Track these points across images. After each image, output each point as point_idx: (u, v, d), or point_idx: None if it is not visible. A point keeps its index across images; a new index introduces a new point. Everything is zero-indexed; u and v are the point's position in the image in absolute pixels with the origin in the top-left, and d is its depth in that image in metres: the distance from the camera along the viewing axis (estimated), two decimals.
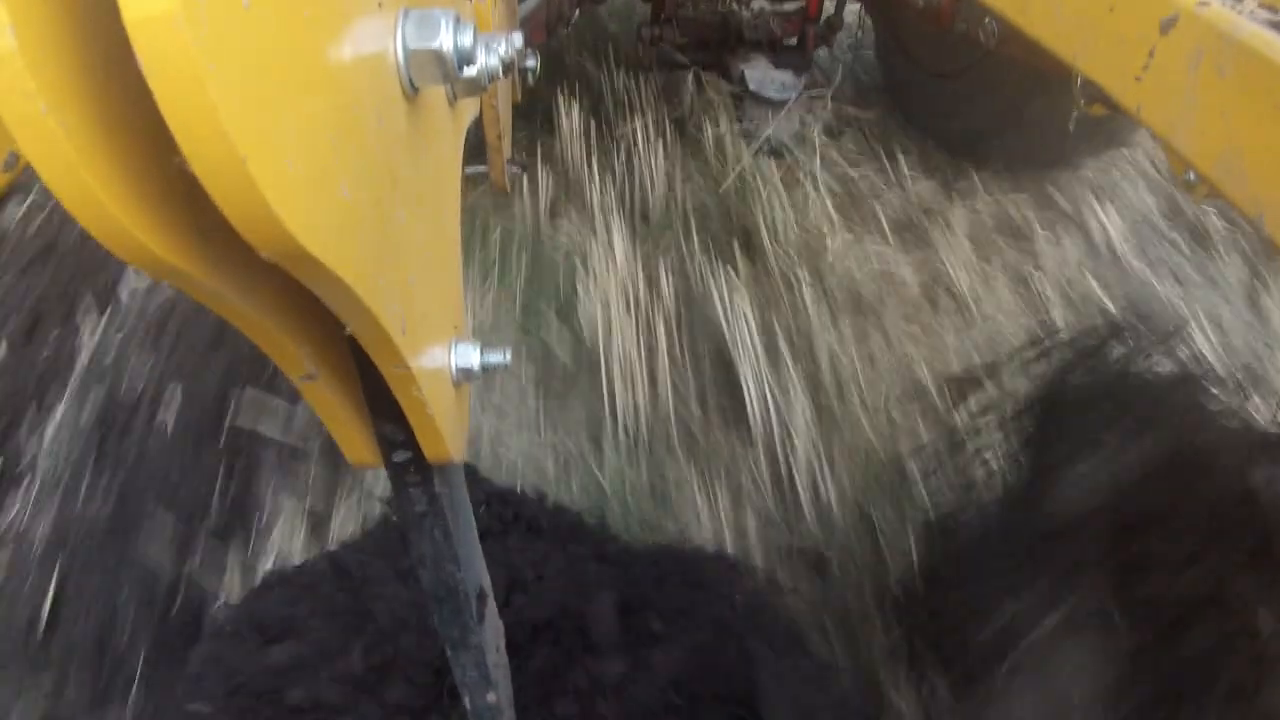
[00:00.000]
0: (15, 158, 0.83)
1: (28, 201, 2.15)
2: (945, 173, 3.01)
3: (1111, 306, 2.42)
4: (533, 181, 2.72)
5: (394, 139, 0.48)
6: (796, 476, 1.91)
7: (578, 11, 2.77)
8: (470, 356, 0.66)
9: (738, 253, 2.54)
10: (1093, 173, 2.97)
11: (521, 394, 2.15)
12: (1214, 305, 2.50)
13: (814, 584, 1.73)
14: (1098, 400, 1.40)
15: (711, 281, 2.37)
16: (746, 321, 2.22)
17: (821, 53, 3.21)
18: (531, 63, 1.39)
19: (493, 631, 0.87)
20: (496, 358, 0.67)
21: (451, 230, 0.71)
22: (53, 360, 1.89)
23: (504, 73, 0.60)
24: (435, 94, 0.61)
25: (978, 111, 2.85)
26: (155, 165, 0.33)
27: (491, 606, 0.86)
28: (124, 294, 1.98)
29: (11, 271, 2.04)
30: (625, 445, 2.01)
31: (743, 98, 3.00)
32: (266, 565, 1.68)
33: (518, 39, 0.63)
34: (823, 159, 2.92)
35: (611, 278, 2.34)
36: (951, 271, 2.55)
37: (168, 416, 1.78)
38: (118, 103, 0.32)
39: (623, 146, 2.89)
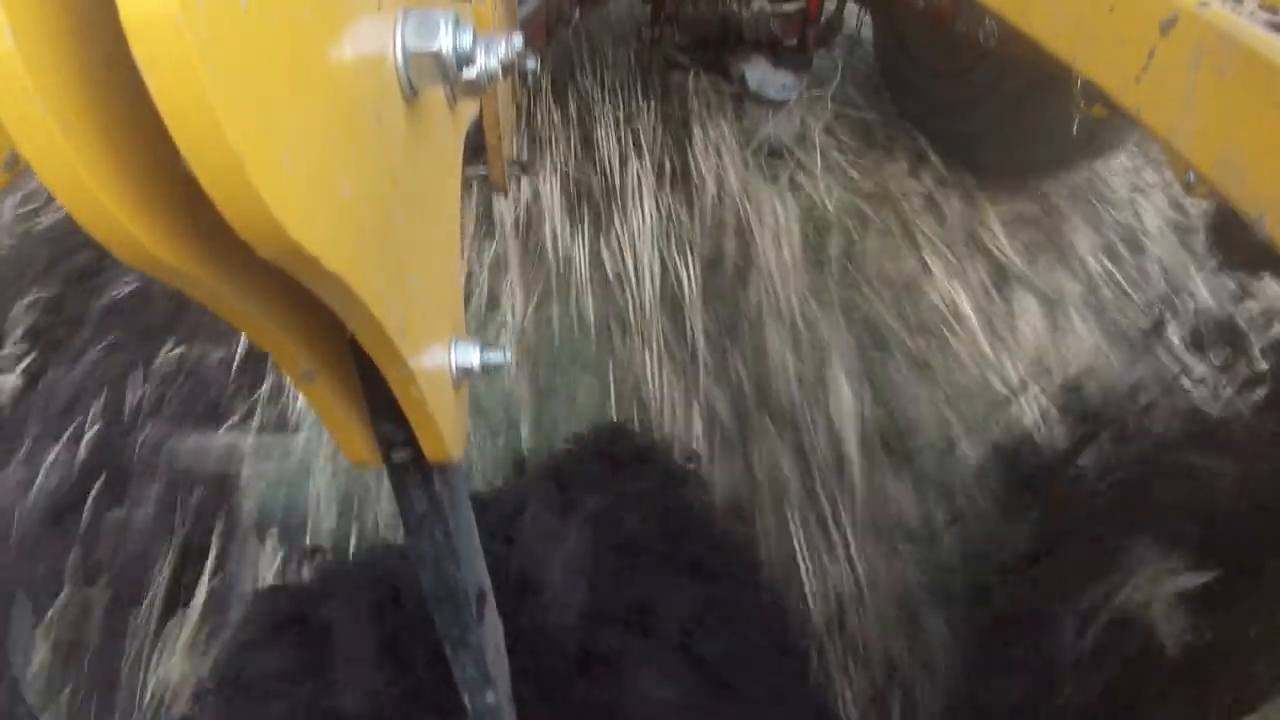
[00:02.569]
0: (15, 158, 0.83)
1: None
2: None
3: None
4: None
5: (393, 140, 0.48)
6: None
7: (578, 12, 2.77)
8: (470, 356, 0.66)
9: None
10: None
11: None
12: None
13: None
14: None
15: None
16: None
17: (821, 53, 3.21)
18: (531, 64, 1.39)
19: (492, 631, 0.87)
20: (496, 357, 0.67)
21: (451, 230, 0.71)
22: None
23: (503, 74, 0.60)
24: (435, 95, 0.61)
25: (978, 112, 2.85)
26: (154, 165, 0.33)
27: (491, 605, 0.86)
28: None
29: None
30: None
31: (743, 98, 3.00)
32: None
33: (517, 40, 0.63)
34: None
35: None
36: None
37: None
38: (117, 103, 0.32)
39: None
